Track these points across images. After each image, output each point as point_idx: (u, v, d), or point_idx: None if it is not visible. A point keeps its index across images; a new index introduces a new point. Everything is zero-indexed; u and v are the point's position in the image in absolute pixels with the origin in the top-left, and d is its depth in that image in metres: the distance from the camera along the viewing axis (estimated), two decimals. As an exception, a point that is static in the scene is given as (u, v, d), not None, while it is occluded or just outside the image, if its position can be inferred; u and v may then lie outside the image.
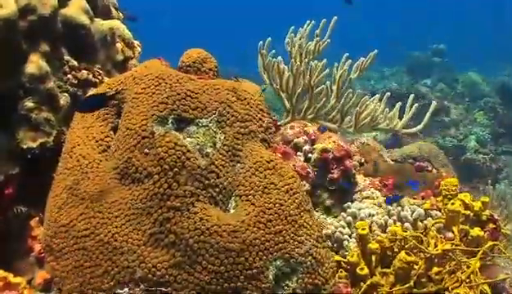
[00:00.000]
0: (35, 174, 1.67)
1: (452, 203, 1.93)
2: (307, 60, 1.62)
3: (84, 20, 1.75)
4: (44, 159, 1.65)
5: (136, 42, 2.03)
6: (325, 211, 2.46)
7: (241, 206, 1.51)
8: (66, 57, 1.72)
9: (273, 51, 1.67)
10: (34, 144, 1.63)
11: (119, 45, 1.93)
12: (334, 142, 2.37)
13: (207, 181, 1.47)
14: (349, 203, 2.34)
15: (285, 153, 2.00)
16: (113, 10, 2.05)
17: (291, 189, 1.56)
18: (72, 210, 1.52)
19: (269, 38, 1.66)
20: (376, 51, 1.69)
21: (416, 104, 1.69)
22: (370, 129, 1.64)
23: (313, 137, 2.41)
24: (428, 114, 1.71)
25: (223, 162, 1.53)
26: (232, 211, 1.52)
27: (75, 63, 1.73)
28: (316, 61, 1.58)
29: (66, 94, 1.71)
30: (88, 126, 1.63)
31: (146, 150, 1.47)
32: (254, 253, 1.45)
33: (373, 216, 2.22)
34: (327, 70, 1.59)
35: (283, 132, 2.43)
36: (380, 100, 1.61)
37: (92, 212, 1.48)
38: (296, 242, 1.51)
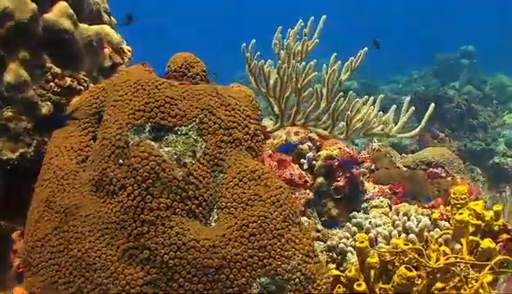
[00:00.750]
0: (17, 186, 1.61)
1: (460, 213, 1.80)
2: (294, 61, 1.52)
3: (67, 25, 1.69)
4: (25, 170, 1.59)
5: (126, 48, 1.96)
6: (332, 221, 2.36)
7: (223, 219, 1.42)
8: (49, 64, 1.66)
9: (258, 53, 1.58)
10: (14, 155, 1.58)
11: (107, 50, 1.87)
12: (339, 149, 2.27)
13: (184, 193, 1.39)
14: (355, 213, 2.23)
15: (281, 161, 1.90)
16: (104, 15, 1.99)
17: (277, 201, 1.46)
18: (48, 224, 1.45)
19: (253, 40, 1.57)
20: (366, 48, 1.58)
21: (413, 108, 1.57)
22: (363, 135, 1.52)
23: (318, 143, 2.32)
24: (425, 118, 1.59)
25: (204, 173, 1.44)
26: (214, 224, 1.43)
27: (58, 70, 1.67)
28: (304, 63, 1.48)
29: (49, 102, 1.65)
30: (68, 135, 1.57)
31: (121, 161, 1.39)
32: (236, 270, 1.36)
33: (379, 226, 2.10)
34: (315, 72, 1.49)
35: (286, 138, 2.33)
36: (374, 103, 1.50)
37: (66, 226, 1.42)
38: (283, 258, 1.41)
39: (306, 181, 1.97)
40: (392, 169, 2.54)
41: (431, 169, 2.62)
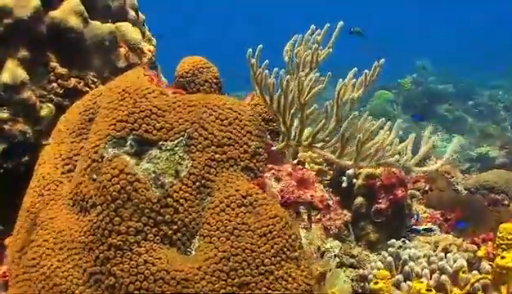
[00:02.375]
0: (13, 189, 1.56)
1: (503, 257, 1.54)
2: (303, 73, 1.33)
3: (75, 22, 1.62)
4: (20, 175, 1.54)
5: (146, 48, 1.87)
6: (370, 247, 2.15)
7: (203, 248, 1.28)
8: (53, 64, 1.60)
9: (266, 61, 1.41)
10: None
11: (123, 50, 1.78)
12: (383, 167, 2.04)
13: (159, 217, 1.26)
14: (394, 241, 2.01)
15: (302, 180, 1.72)
16: (130, 11, 1.91)
17: (270, 232, 1.30)
18: (26, 235, 1.39)
19: (260, 45, 1.40)
20: (383, 59, 1.36)
21: (434, 137, 1.34)
22: (375, 163, 1.31)
23: None
24: (449, 149, 1.35)
25: (187, 195, 1.30)
26: (194, 253, 1.29)
27: (62, 70, 1.61)
28: (312, 75, 1.29)
29: (50, 104, 1.59)
30: (59, 141, 1.49)
31: (94, 176, 1.30)
32: (209, 309, 1.21)
33: (419, 258, 1.87)
34: (321, 86, 1.30)
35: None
36: (390, 129, 1.28)
37: (41, 240, 1.35)
38: (269, 299, 1.25)
39: (328, 205, 1.77)
40: (449, 192, 2.27)
41: (493, 195, 2.31)
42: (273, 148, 1.46)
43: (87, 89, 1.66)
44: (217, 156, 1.37)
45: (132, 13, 1.95)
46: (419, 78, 8.65)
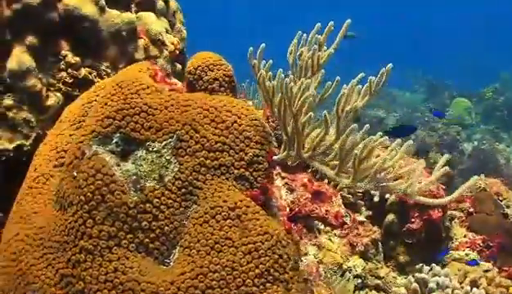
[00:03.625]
0: (14, 178, 1.55)
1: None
2: (304, 77, 1.21)
3: (89, 11, 1.58)
4: (21, 163, 1.52)
5: (170, 40, 1.80)
6: (399, 269, 1.99)
7: (180, 261, 1.20)
8: (64, 52, 1.56)
9: (270, 61, 1.29)
10: (10, 146, 1.52)
11: (143, 41, 1.72)
12: (420, 183, 1.87)
13: (135, 223, 1.19)
14: (422, 265, 1.84)
15: (318, 193, 1.60)
16: (159, 1, 1.85)
17: (256, 251, 1.20)
18: (12, 227, 1.36)
19: (263, 44, 1.29)
20: (391, 64, 1.20)
21: (445, 168, 1.17)
22: (374, 187, 1.17)
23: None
24: (464, 186, 1.18)
25: (170, 201, 1.23)
26: (172, 265, 1.21)
27: (74, 59, 1.57)
28: (300, 81, 1.17)
29: (58, 93, 1.56)
30: (58, 133, 1.45)
31: (74, 173, 1.23)
32: (178, 328, 1.13)
33: (447, 287, 1.70)
34: (310, 92, 1.17)
35: None
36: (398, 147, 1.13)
37: (23, 235, 1.31)
38: (246, 324, 1.15)
39: (343, 223, 1.63)
40: (496, 216, 2.05)
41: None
42: (274, 157, 1.34)
43: (100, 80, 1.62)
44: (207, 162, 1.28)
45: (160, 3, 1.89)
46: (501, 88, 8.12)
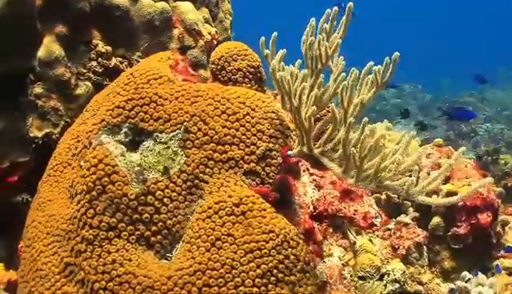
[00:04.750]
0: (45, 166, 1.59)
1: None
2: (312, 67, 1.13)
3: (121, 0, 1.58)
4: (51, 151, 1.56)
5: (207, 30, 1.77)
6: (443, 275, 1.86)
7: (180, 256, 1.17)
8: (95, 41, 1.58)
9: (283, 50, 1.23)
10: (39, 134, 1.56)
11: (177, 31, 1.71)
12: (469, 185, 1.75)
13: (136, 215, 1.18)
14: (465, 273, 1.72)
15: (347, 191, 1.52)
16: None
17: (259, 249, 1.15)
18: (31, 214, 1.40)
19: (275, 33, 1.23)
20: (398, 53, 1.10)
21: (447, 165, 1.05)
22: (375, 186, 1.08)
23: (448, 173, 1.82)
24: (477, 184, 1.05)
25: (174, 194, 1.20)
26: (173, 259, 1.19)
27: (104, 48, 1.59)
28: (297, 70, 1.10)
29: (88, 82, 1.58)
30: (81, 122, 1.47)
31: (82, 163, 1.24)
32: (172, 326, 1.11)
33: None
34: (308, 84, 1.09)
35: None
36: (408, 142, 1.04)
37: (37, 222, 1.35)
38: (244, 327, 1.11)
39: (372, 224, 1.54)
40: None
41: None
42: (289, 152, 1.28)
43: (129, 70, 1.62)
44: (215, 155, 1.24)
45: (201, -9, 1.88)
46: None
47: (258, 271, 1.16)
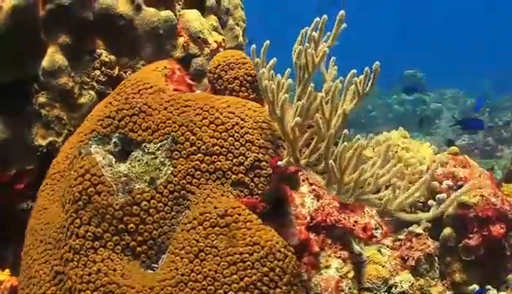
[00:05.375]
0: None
1: None
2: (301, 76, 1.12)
3: (124, 9, 1.62)
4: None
5: (212, 38, 1.78)
6: (454, 288, 1.81)
7: (164, 267, 1.18)
8: (99, 51, 1.61)
9: (273, 59, 1.22)
10: (43, 142, 1.60)
11: (182, 39, 1.72)
12: (482, 196, 1.69)
13: (121, 226, 1.19)
14: (475, 286, 1.66)
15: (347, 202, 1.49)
16: (210, -1, 1.84)
17: (242, 262, 1.15)
18: (30, 222, 1.43)
19: (267, 41, 1.22)
20: (378, 63, 1.07)
21: (426, 177, 1.02)
22: (355, 199, 1.06)
23: (461, 183, 1.78)
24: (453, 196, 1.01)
25: (160, 205, 1.21)
26: (157, 270, 1.20)
27: (108, 57, 1.62)
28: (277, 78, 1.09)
29: (91, 91, 1.61)
30: (80, 131, 1.49)
31: (72, 172, 1.26)
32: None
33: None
34: (282, 94, 1.08)
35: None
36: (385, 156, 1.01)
37: (33, 230, 1.38)
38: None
39: (372, 236, 1.50)
40: None
41: None
42: (279, 163, 1.26)
43: (133, 78, 1.64)
44: (202, 165, 1.24)
45: (210, 0, 1.88)
46: None
47: (242, 284, 1.15)
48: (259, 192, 1.27)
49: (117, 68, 1.64)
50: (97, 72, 1.63)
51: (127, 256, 1.21)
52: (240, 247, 1.17)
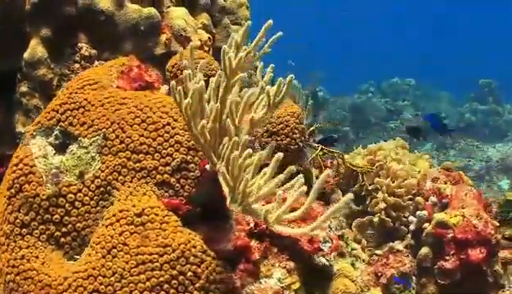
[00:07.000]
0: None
1: None
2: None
3: (105, 5, 1.70)
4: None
5: (198, 37, 1.82)
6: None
7: (81, 259, 1.24)
8: (81, 44, 1.70)
9: (205, 60, 1.24)
10: (23, 130, 1.71)
11: (164, 36, 1.77)
12: (463, 216, 1.63)
13: (47, 215, 1.27)
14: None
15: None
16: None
17: (150, 262, 1.19)
18: None
19: (197, 43, 1.24)
20: (292, 75, 1.06)
21: (302, 189, 0.99)
22: (242, 211, 1.05)
23: (447, 201, 1.72)
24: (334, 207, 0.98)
25: (86, 199, 1.28)
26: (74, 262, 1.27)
27: (88, 51, 1.70)
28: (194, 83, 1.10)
29: (71, 84, 1.70)
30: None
31: (14, 161, 1.35)
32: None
33: None
34: (188, 101, 1.09)
35: (419, 182, 1.80)
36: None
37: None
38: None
39: (319, 249, 1.48)
40: None
41: None
42: (206, 166, 1.29)
43: (112, 73, 1.71)
44: (129, 163, 1.29)
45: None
46: None
47: (148, 284, 1.19)
48: (185, 194, 1.30)
49: (97, 62, 1.72)
50: (76, 65, 1.72)
51: (51, 246, 1.28)
52: (150, 248, 1.21)
